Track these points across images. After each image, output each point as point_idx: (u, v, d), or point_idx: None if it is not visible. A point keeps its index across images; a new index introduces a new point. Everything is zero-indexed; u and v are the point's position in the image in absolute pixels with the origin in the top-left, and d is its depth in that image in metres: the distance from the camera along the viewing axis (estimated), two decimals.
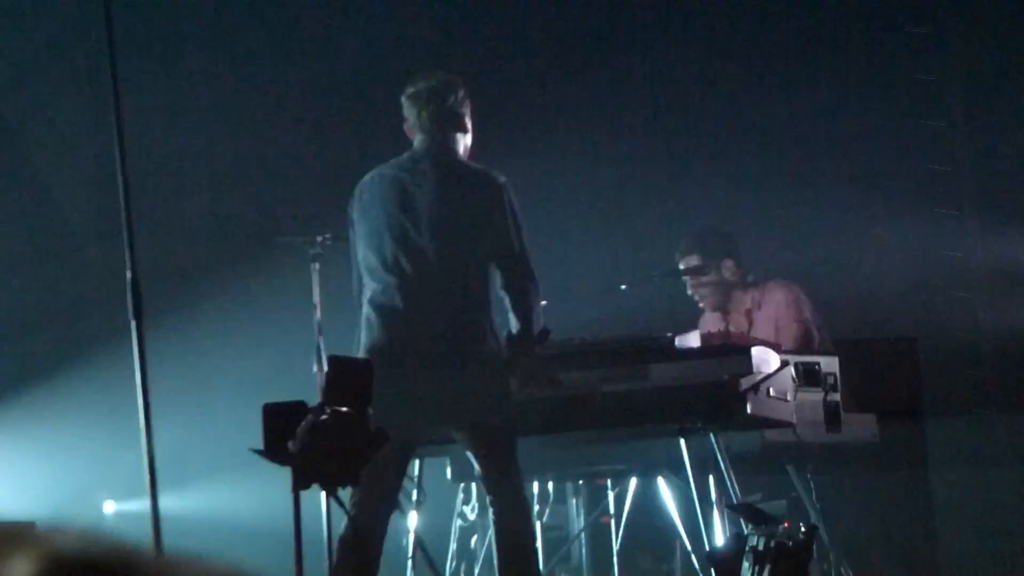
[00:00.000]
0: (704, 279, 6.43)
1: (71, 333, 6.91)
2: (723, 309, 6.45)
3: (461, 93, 5.42)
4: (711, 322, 6.41)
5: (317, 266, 5.78)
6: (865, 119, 7.52)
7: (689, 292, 6.50)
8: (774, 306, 6.40)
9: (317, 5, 7.79)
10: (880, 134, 7.48)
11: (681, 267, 6.48)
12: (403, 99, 5.40)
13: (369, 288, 5.29)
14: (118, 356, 4.67)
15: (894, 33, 7.50)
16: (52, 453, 7.12)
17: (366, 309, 5.26)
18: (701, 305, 6.50)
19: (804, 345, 6.16)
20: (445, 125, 5.37)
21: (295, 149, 7.55)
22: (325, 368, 5.06)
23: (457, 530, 6.21)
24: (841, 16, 7.64)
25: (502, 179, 5.31)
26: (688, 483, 5.57)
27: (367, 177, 5.40)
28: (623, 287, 6.40)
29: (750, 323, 6.44)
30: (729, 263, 6.46)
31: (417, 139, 5.38)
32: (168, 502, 4.67)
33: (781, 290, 6.43)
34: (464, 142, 5.40)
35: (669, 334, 5.67)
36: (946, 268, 7.20)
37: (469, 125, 5.42)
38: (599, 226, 7.51)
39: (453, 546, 6.20)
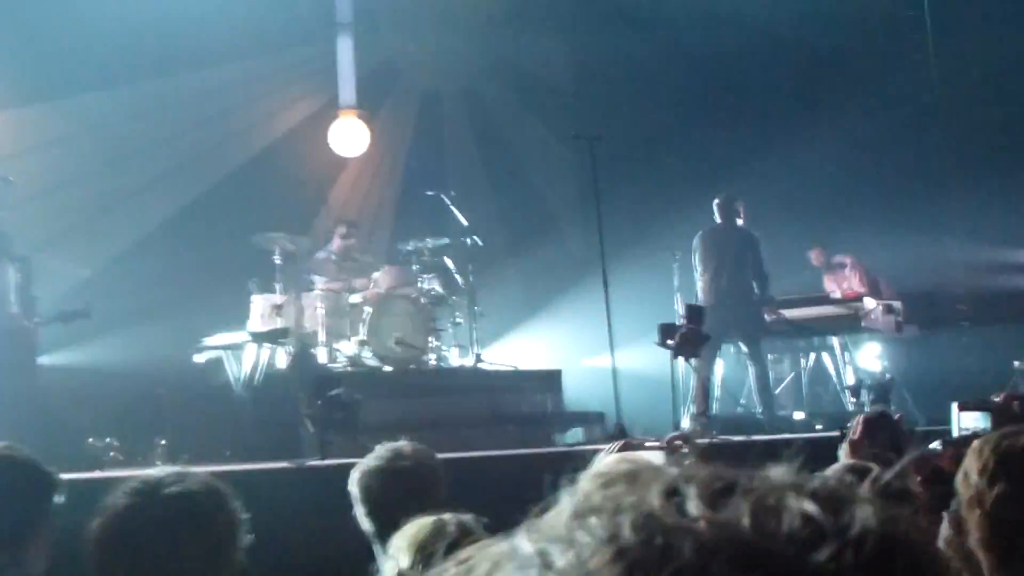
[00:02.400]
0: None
1: (567, 273, 13.98)
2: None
3: (740, 200, 12.09)
4: (830, 281, 13.35)
5: (676, 264, 12.85)
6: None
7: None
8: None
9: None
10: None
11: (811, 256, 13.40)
12: (714, 204, 12.10)
13: (701, 280, 12.10)
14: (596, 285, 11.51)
15: None
16: (561, 329, 13.59)
17: (700, 285, 12.11)
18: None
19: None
20: (732, 213, 12.04)
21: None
22: (683, 308, 12.16)
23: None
24: None
25: (757, 235, 11.96)
26: (834, 355, 12.71)
27: (700, 232, 12.08)
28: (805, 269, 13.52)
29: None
30: (850, 259, 13.31)
31: (720, 217, 12.24)
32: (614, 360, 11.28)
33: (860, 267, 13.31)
34: (741, 219, 12.02)
35: (825, 291, 12.85)
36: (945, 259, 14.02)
37: (743, 213, 12.01)
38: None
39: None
